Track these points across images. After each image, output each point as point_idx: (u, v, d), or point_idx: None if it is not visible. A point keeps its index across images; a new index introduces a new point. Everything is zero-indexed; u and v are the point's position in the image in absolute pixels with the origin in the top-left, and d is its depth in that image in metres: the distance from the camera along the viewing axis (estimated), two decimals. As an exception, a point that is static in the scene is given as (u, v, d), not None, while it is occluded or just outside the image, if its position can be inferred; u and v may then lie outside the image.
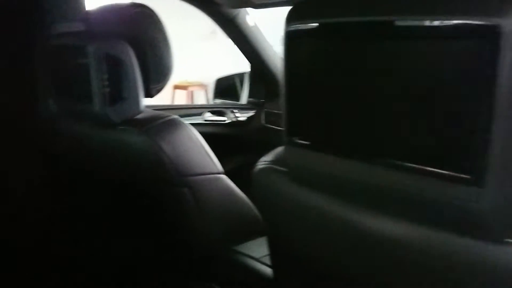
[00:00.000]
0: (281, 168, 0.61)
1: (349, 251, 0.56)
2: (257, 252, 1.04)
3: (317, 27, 0.49)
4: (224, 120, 1.88)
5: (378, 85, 0.47)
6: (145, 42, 1.02)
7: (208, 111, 1.84)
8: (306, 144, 0.54)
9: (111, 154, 1.12)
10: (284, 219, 0.64)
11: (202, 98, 4.79)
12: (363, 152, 0.49)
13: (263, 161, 0.65)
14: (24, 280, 1.35)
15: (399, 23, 0.44)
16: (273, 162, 0.63)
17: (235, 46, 1.78)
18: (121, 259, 1.39)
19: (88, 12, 1.15)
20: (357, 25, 0.47)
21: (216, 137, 1.78)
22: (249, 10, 1.67)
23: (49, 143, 1.34)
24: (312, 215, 0.57)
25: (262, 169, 0.64)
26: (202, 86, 4.78)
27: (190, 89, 4.70)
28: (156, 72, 1.04)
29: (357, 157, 0.49)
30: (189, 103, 4.68)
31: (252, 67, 1.91)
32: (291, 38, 0.53)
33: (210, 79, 4.52)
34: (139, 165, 1.05)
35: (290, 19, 0.53)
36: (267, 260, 1.01)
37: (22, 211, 1.34)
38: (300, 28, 0.51)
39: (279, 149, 0.66)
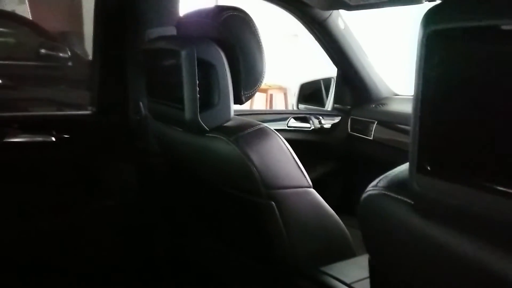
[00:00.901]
0: (400, 197, 0.52)
1: None
2: (348, 277, 0.95)
3: (473, 29, 0.39)
4: (309, 127, 1.80)
5: None
6: (237, 47, 0.98)
7: (292, 117, 1.78)
8: (444, 173, 0.44)
9: (199, 159, 1.10)
10: (401, 254, 0.55)
11: (281, 101, 4.76)
12: None
13: (374, 187, 0.56)
14: (107, 272, 1.39)
15: None
16: (387, 188, 0.54)
17: (316, 49, 1.71)
18: (201, 263, 1.38)
19: (181, 17, 1.14)
20: None
21: (299, 144, 1.71)
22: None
23: (139, 143, 1.37)
24: (440, 255, 0.48)
25: (375, 196, 0.55)
26: (281, 89, 4.75)
27: (270, 92, 4.69)
28: (247, 78, 1.00)
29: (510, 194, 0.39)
30: (268, 106, 4.68)
31: (339, 72, 1.82)
32: (432, 42, 0.43)
33: (289, 82, 4.49)
34: (226, 174, 1.02)
35: (433, 19, 0.43)
36: (359, 286, 0.92)
37: (115, 205, 1.39)
38: (448, 30, 0.41)
39: (395, 173, 0.56)
